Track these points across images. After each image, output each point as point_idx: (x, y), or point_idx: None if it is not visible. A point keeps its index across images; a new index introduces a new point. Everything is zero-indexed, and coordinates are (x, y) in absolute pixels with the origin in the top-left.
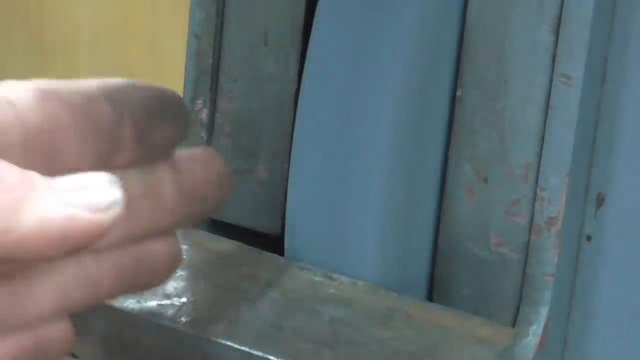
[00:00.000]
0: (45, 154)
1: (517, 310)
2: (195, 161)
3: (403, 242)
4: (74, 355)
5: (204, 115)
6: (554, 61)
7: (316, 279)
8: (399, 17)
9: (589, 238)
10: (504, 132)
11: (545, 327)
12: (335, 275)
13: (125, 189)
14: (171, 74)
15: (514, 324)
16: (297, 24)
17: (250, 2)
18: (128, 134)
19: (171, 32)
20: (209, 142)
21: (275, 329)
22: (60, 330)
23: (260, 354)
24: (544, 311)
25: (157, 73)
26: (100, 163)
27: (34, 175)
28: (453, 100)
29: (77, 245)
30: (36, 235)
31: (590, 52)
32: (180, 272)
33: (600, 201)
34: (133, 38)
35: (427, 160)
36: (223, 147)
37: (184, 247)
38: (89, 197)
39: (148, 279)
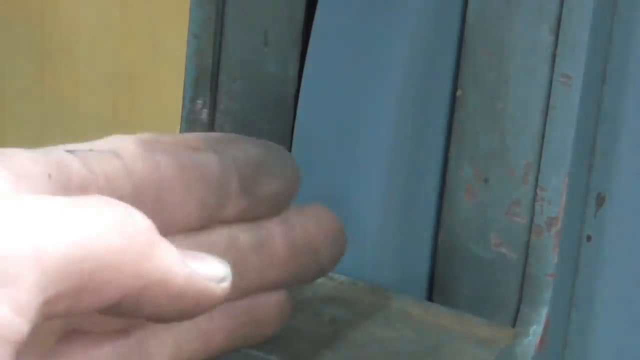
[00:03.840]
0: (153, 205)
1: (517, 310)
2: (307, 216)
3: (403, 242)
4: None
5: (204, 115)
6: (554, 61)
7: None
8: (399, 17)
9: (589, 238)
10: (504, 132)
11: (545, 327)
12: (335, 275)
13: (234, 243)
14: (171, 74)
15: (514, 324)
16: (297, 24)
17: (250, 2)
18: (234, 186)
19: (171, 32)
20: None
21: None
22: None
23: (260, 354)
24: (544, 311)
25: (157, 73)
26: (207, 216)
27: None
28: (453, 100)
29: (190, 307)
30: (159, 286)
31: (590, 52)
32: None
33: (600, 201)
34: (133, 38)
35: (427, 160)
36: None
37: None
38: (203, 267)
39: (258, 332)
